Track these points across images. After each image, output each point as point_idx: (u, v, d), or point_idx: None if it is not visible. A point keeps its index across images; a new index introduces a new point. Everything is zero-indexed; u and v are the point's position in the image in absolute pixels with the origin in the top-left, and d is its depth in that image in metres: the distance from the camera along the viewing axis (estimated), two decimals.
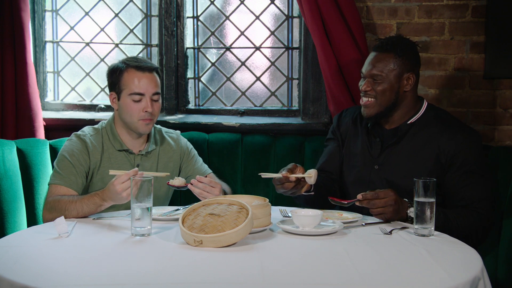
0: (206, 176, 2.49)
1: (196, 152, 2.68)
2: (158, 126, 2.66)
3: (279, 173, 2.19)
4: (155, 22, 3.35)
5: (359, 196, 2.12)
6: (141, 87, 2.41)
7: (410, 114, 2.40)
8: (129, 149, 2.49)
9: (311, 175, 2.16)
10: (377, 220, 2.18)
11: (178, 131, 2.69)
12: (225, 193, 2.43)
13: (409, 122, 2.39)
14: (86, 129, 2.51)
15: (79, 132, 2.49)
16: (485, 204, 2.25)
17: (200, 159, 2.67)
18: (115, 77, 2.45)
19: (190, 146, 2.67)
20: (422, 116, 2.40)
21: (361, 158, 2.45)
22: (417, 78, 2.42)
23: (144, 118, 2.42)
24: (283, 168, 2.24)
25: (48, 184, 2.39)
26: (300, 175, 2.18)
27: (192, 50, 3.36)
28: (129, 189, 2.04)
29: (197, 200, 2.23)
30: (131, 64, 2.44)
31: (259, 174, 2.23)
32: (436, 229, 2.03)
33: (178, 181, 2.32)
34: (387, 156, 2.39)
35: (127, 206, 2.29)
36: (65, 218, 2.16)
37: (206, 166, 2.67)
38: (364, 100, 2.39)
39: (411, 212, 2.11)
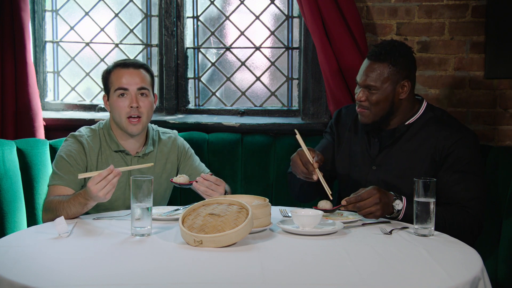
0: None
1: (193, 151, 2.66)
2: (156, 126, 2.64)
3: (311, 155, 2.24)
4: (155, 22, 3.35)
5: (343, 202, 2.10)
6: (124, 82, 2.43)
7: (408, 116, 2.39)
8: (125, 150, 2.48)
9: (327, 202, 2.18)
10: (377, 220, 2.18)
11: (175, 131, 2.68)
12: (225, 192, 2.42)
13: (407, 123, 2.38)
14: (83, 130, 2.50)
15: (76, 133, 2.48)
16: (474, 203, 2.23)
17: (197, 158, 2.66)
18: (104, 79, 2.51)
19: (187, 145, 2.66)
20: (421, 117, 2.38)
21: (360, 158, 2.44)
22: (413, 83, 2.38)
23: (130, 115, 2.41)
24: (313, 148, 2.29)
25: (48, 186, 2.38)
26: (323, 184, 2.21)
27: (192, 50, 3.36)
28: (105, 189, 2.04)
29: (197, 199, 2.22)
30: (117, 63, 2.49)
31: (295, 129, 2.32)
32: None
33: (182, 179, 2.30)
34: (385, 157, 2.38)
35: (127, 206, 2.29)
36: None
37: (203, 165, 2.66)
38: (359, 109, 2.38)
39: (397, 204, 2.12)
